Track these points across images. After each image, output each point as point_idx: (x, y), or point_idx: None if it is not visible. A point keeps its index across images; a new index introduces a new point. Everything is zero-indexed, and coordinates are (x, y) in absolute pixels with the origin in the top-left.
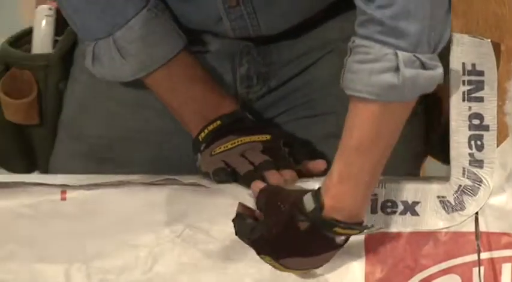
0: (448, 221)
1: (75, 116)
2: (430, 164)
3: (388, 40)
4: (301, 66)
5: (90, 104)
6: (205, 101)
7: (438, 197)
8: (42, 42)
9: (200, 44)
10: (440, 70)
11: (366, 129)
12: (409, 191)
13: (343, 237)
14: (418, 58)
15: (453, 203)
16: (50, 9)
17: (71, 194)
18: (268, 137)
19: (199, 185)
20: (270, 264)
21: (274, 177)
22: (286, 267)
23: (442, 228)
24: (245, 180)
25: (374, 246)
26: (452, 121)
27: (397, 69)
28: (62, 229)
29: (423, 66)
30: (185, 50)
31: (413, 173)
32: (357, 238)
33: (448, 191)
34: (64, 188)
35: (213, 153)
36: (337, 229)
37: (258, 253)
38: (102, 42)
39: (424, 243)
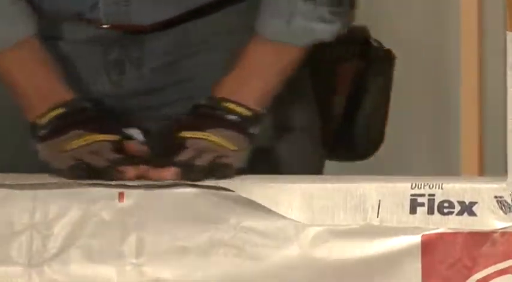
0: (505, 221)
1: None
2: (488, 164)
3: None
4: (176, 58)
5: None
6: (48, 85)
7: (495, 197)
8: None
9: (73, 32)
10: (335, 26)
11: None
12: (466, 191)
13: (235, 117)
14: (317, 10)
15: (510, 203)
16: None
17: (128, 195)
18: (117, 137)
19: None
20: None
21: (131, 170)
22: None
23: (500, 229)
24: (106, 174)
25: (431, 246)
26: (509, 120)
27: (291, 16)
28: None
29: (321, 18)
30: (35, 36)
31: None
32: (413, 239)
33: (505, 191)
34: (122, 188)
35: (63, 150)
36: (228, 104)
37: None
38: None
39: (481, 243)
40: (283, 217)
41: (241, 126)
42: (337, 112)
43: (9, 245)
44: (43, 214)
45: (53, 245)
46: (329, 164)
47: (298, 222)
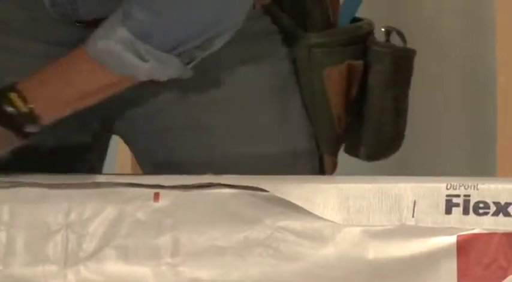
0: None
1: None
2: None
3: (119, 14)
4: None
5: None
6: None
7: None
8: None
9: (46, 33)
10: (147, 65)
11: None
12: (502, 191)
13: (11, 108)
14: (136, 42)
15: None
16: None
17: (164, 196)
18: None
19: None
20: None
21: None
22: None
23: None
24: None
25: (466, 247)
26: None
27: (110, 39)
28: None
29: (136, 52)
30: None
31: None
32: (448, 239)
33: None
34: (157, 189)
35: None
36: (13, 95)
37: None
38: None
39: None
40: (319, 217)
41: (13, 119)
42: (347, 113)
43: (45, 245)
44: (78, 214)
45: (89, 245)
46: (363, 164)
47: (333, 222)
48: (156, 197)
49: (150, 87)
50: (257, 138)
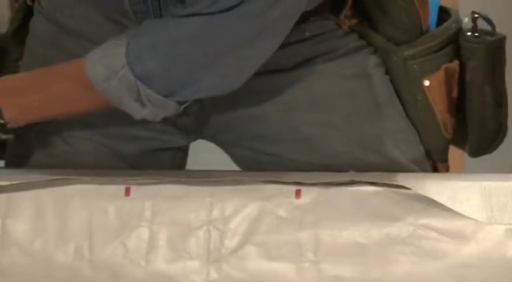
0: None
1: None
2: None
3: (126, 50)
4: None
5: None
6: None
7: None
8: None
9: None
10: (145, 111)
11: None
12: None
13: None
14: (137, 86)
15: None
16: None
17: (305, 193)
18: None
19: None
20: None
21: None
22: None
23: None
24: None
25: None
26: None
27: (112, 71)
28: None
29: (136, 95)
30: None
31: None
32: None
33: None
34: (298, 186)
35: None
36: None
37: None
38: None
39: None
40: (461, 215)
41: None
42: (451, 116)
43: (187, 241)
44: (220, 210)
45: (230, 242)
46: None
47: (476, 220)
48: (298, 193)
49: (250, 111)
50: (360, 149)
